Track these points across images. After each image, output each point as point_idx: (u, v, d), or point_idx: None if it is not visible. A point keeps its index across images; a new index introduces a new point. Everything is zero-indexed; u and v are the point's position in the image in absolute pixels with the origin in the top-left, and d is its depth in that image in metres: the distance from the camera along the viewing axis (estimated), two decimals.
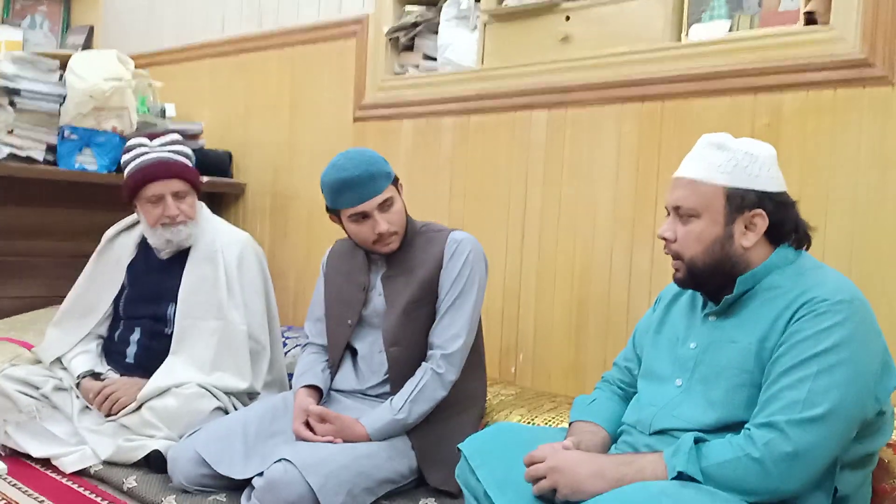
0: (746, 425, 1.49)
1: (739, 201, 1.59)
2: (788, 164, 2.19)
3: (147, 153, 2.57)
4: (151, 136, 2.63)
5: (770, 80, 2.27)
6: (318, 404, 2.25)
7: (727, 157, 1.60)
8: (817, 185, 2.20)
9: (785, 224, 1.62)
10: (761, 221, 1.59)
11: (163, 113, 3.65)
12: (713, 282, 1.64)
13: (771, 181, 1.61)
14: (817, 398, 1.43)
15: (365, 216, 2.21)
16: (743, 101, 2.33)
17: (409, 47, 3.22)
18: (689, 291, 1.74)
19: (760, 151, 1.62)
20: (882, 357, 1.53)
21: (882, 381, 1.52)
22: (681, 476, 1.45)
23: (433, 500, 2.15)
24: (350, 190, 2.18)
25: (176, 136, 2.67)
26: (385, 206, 2.22)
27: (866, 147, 2.13)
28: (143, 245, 2.71)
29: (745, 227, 1.60)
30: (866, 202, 2.13)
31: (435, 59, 3.09)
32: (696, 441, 1.50)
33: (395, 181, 2.27)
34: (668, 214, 1.67)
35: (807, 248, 1.66)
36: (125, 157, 2.60)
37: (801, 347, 1.48)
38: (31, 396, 2.46)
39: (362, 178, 2.17)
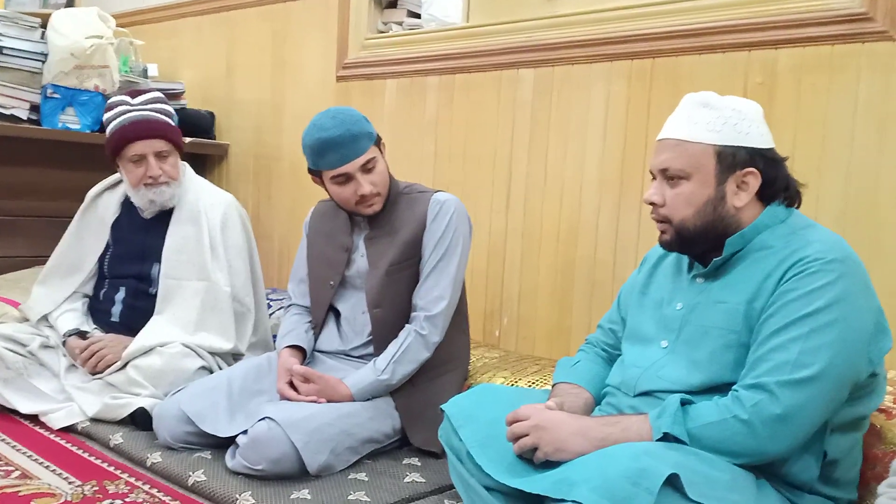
0: (734, 387, 1.47)
1: (731, 160, 1.55)
2: (782, 123, 2.16)
3: (129, 111, 2.53)
4: (133, 94, 2.58)
5: (764, 36, 2.21)
6: (301, 365, 2.23)
7: (715, 115, 1.56)
8: (812, 145, 2.15)
9: (776, 181, 1.58)
10: (754, 180, 1.56)
11: (145, 73, 3.64)
12: (702, 244, 1.60)
13: (760, 138, 1.57)
14: (807, 359, 1.41)
15: (347, 178, 2.18)
16: (736, 57, 2.28)
17: (393, 4, 3.18)
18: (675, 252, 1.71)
19: (748, 108, 1.59)
20: (875, 318, 1.50)
21: (875, 343, 1.49)
22: (666, 437, 1.44)
23: (416, 460, 2.15)
24: (331, 151, 2.14)
25: (158, 95, 2.63)
26: (367, 167, 2.18)
27: (863, 105, 2.08)
28: (127, 204, 2.67)
29: (737, 187, 1.56)
30: (862, 162, 2.08)
31: (419, 16, 3.04)
32: (683, 403, 1.47)
33: (378, 141, 2.23)
34: (654, 178, 1.63)
35: (797, 206, 1.63)
36: (107, 115, 2.57)
37: (792, 307, 1.45)
38: (19, 353, 2.46)
39: (344, 138, 2.13)
